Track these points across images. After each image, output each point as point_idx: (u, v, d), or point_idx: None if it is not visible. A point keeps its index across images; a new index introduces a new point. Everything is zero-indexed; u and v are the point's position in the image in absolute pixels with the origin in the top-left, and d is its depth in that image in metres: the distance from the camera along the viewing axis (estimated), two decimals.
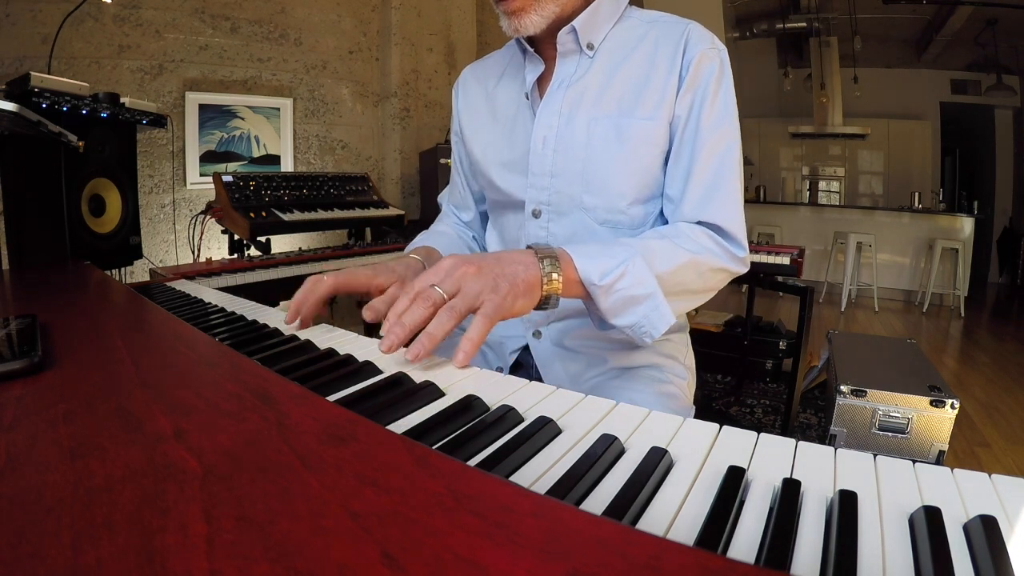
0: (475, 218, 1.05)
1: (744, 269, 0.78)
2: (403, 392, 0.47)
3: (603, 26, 0.80)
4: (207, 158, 2.68)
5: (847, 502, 0.30)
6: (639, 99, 0.77)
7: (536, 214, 0.84)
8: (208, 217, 1.94)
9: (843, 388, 1.82)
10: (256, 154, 2.86)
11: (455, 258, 0.59)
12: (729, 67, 0.78)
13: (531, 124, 0.83)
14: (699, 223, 0.76)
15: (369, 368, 0.53)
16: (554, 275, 0.62)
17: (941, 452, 1.76)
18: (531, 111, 0.84)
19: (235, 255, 1.95)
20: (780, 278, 2.06)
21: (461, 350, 0.53)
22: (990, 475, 0.33)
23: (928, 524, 0.28)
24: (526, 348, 0.88)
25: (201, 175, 2.65)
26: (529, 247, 0.64)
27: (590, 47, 0.80)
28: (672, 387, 0.84)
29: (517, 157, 0.85)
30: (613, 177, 0.78)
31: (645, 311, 0.67)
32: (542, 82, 0.84)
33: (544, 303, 0.63)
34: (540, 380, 0.62)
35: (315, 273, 0.96)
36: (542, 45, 0.83)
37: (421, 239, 0.99)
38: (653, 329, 0.68)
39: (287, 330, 0.67)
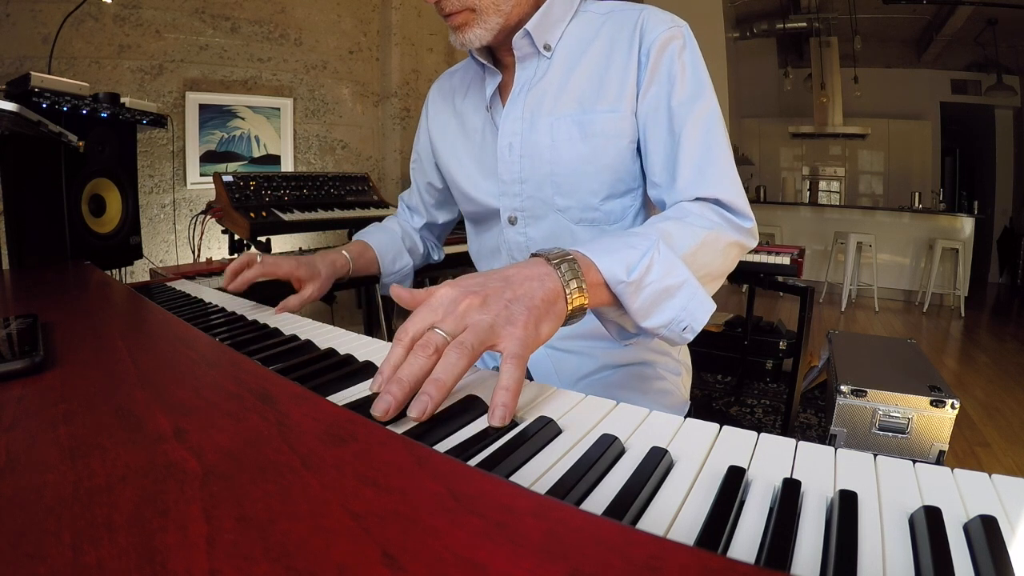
0: (424, 225, 1.09)
1: (754, 241, 0.72)
2: None
3: (557, 25, 0.79)
4: (207, 158, 2.68)
5: (847, 502, 0.30)
6: (599, 93, 0.76)
7: (512, 221, 0.83)
8: (208, 217, 1.94)
9: (843, 388, 1.82)
10: (256, 154, 2.86)
11: (453, 288, 0.48)
12: (692, 40, 0.74)
13: (496, 134, 0.82)
14: (698, 199, 0.70)
15: (369, 368, 0.53)
16: (574, 284, 0.52)
17: (941, 452, 1.76)
18: (494, 122, 0.83)
19: (235, 255, 1.95)
20: (780, 278, 2.06)
21: (500, 404, 0.41)
22: (990, 475, 0.33)
23: (928, 524, 0.28)
24: None
25: (201, 175, 2.65)
26: (535, 254, 0.54)
27: (547, 48, 0.79)
28: (666, 383, 0.83)
29: (487, 167, 0.85)
30: (582, 176, 0.77)
31: (682, 302, 0.58)
32: (505, 89, 0.83)
33: (570, 319, 0.53)
34: (531, 379, 0.56)
35: None
36: (500, 52, 0.82)
37: (364, 234, 1.05)
38: (694, 321, 0.59)
39: (287, 330, 0.67)
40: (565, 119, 0.77)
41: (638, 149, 0.78)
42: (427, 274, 1.30)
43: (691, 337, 0.61)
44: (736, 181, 0.71)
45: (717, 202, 0.70)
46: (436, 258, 1.15)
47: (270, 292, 0.97)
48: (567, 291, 0.51)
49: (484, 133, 0.85)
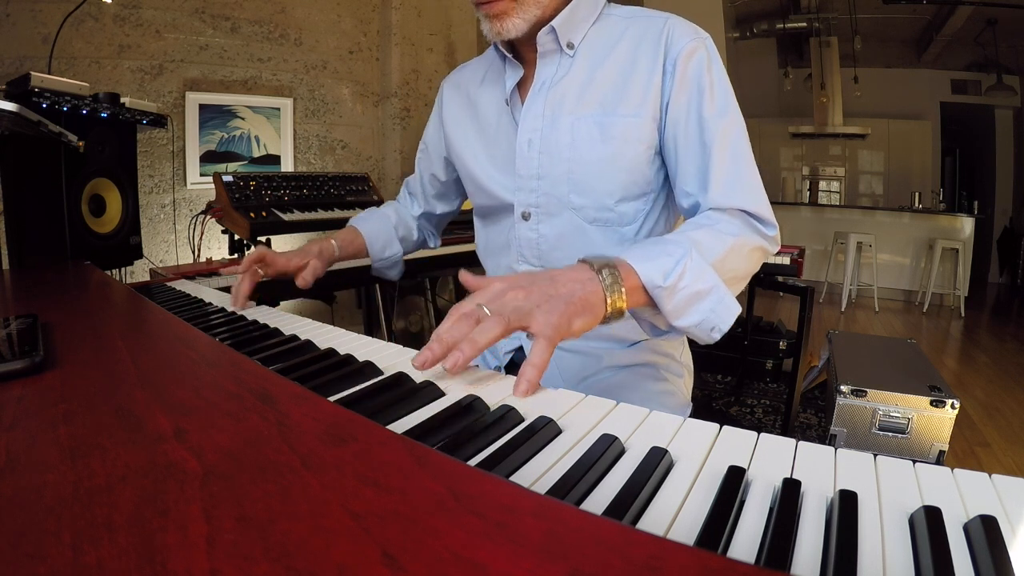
0: (422, 213, 1.12)
1: (777, 247, 0.77)
2: (403, 392, 0.47)
3: (582, 25, 0.80)
4: (207, 158, 2.68)
5: (847, 502, 0.30)
6: (622, 97, 0.77)
7: (525, 216, 0.84)
8: (208, 217, 1.94)
9: (843, 388, 1.82)
10: (256, 154, 2.85)
11: (505, 280, 0.56)
12: (716, 52, 0.76)
13: (514, 128, 0.83)
14: (728, 210, 0.73)
15: (369, 368, 0.53)
16: (616, 288, 0.57)
17: (941, 452, 1.76)
18: (512, 116, 0.83)
19: (235, 255, 1.95)
20: (780, 278, 2.06)
21: (524, 378, 0.47)
22: (990, 475, 0.33)
23: (928, 524, 0.28)
24: (520, 348, 0.88)
25: (201, 175, 2.65)
26: (581, 260, 0.60)
27: (570, 46, 0.80)
28: (668, 385, 0.84)
29: (503, 161, 0.85)
30: (599, 176, 0.78)
31: (711, 305, 0.63)
32: (523, 84, 0.84)
33: (608, 319, 0.58)
34: None
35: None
36: (522, 48, 0.82)
37: (358, 220, 1.08)
38: (721, 323, 0.64)
39: (287, 330, 0.67)
40: (587, 119, 0.77)
41: (655, 155, 0.79)
42: (427, 273, 1.30)
43: (718, 336, 0.66)
44: (762, 192, 0.75)
45: (746, 213, 0.74)
46: (432, 245, 1.19)
47: (272, 292, 0.97)
48: (608, 295, 0.57)
49: (500, 126, 0.86)
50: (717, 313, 0.64)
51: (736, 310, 0.65)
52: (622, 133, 0.76)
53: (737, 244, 0.69)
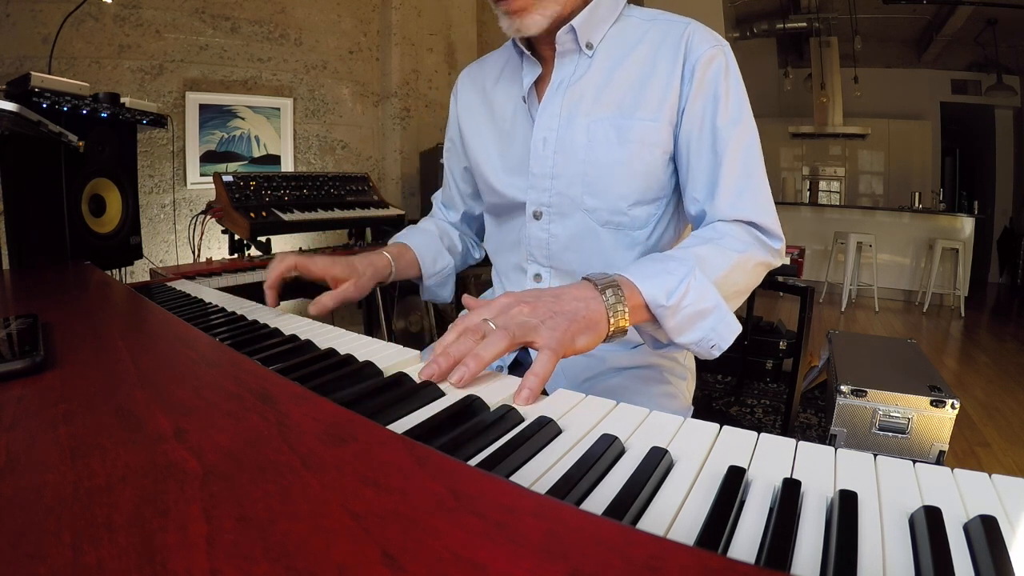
0: (461, 217, 1.07)
1: (781, 260, 0.77)
2: (403, 392, 0.47)
3: (602, 25, 0.80)
4: (207, 158, 2.68)
5: (847, 502, 0.30)
6: (639, 100, 0.76)
7: (537, 216, 0.83)
8: (208, 217, 1.94)
9: (843, 388, 1.82)
10: (256, 154, 2.85)
11: (511, 296, 0.57)
12: (734, 61, 0.77)
13: (530, 126, 0.82)
14: (735, 221, 0.74)
15: (369, 368, 0.53)
16: (619, 307, 0.59)
17: (941, 452, 1.76)
18: (529, 114, 0.83)
19: (235, 255, 1.95)
20: (780, 278, 2.06)
21: (526, 387, 0.47)
22: (990, 475, 0.33)
23: (928, 524, 0.28)
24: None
25: (201, 175, 2.65)
26: (585, 279, 0.61)
27: (589, 46, 0.79)
28: (670, 387, 0.83)
29: (517, 159, 0.84)
30: (614, 179, 0.78)
31: (712, 324, 0.64)
32: (541, 82, 0.83)
33: (612, 337, 0.59)
34: None
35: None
36: (540, 45, 0.82)
37: (401, 236, 1.02)
38: (721, 341, 0.66)
39: (287, 330, 0.67)
40: (603, 122, 0.77)
41: (670, 160, 0.79)
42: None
43: (717, 354, 0.67)
44: (770, 203, 0.76)
45: (752, 224, 0.74)
46: (477, 256, 1.10)
47: (284, 293, 0.96)
48: (611, 314, 0.58)
49: (515, 123, 0.85)
50: (718, 331, 0.65)
51: (737, 329, 0.66)
52: (639, 137, 0.76)
53: (741, 260, 0.70)
